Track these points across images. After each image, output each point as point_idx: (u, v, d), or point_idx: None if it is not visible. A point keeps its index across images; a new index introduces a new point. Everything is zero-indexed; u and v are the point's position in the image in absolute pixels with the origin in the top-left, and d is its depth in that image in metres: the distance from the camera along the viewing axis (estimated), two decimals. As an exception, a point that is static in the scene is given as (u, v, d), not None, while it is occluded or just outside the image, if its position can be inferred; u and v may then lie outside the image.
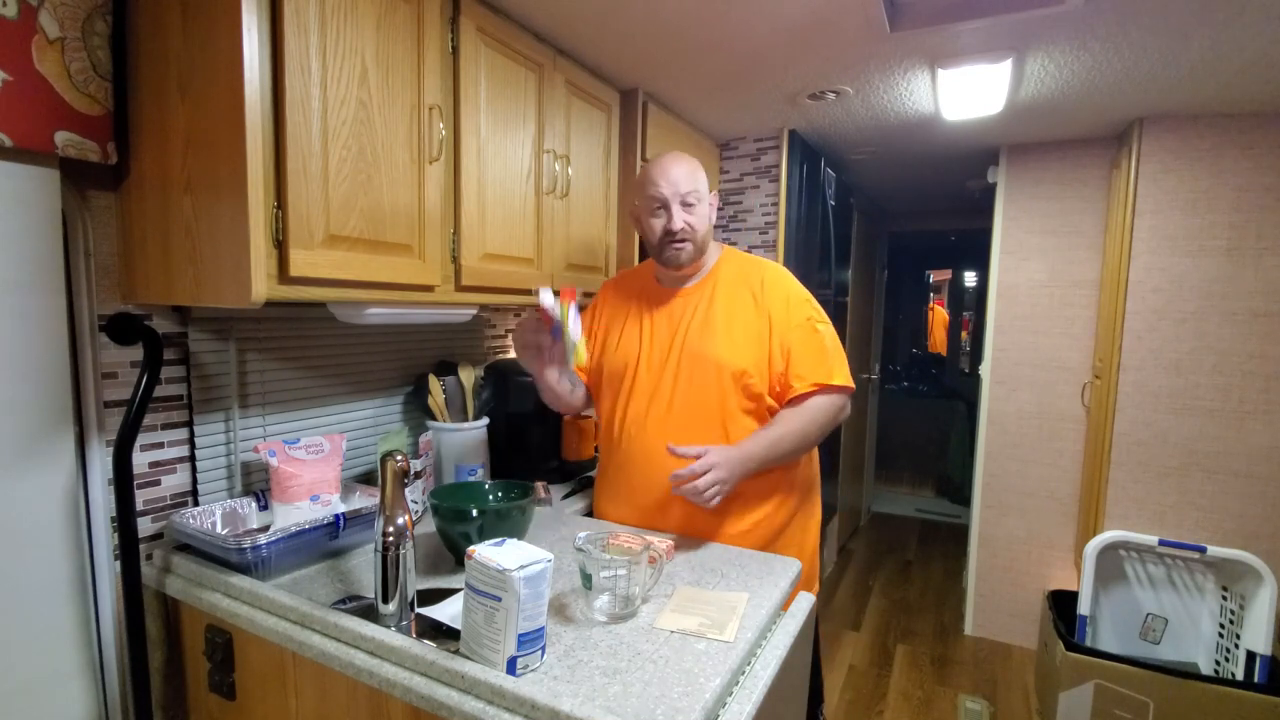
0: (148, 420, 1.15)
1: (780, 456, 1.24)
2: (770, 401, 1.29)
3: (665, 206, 1.28)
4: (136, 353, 1.12)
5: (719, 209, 1.35)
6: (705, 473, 1.12)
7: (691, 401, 1.27)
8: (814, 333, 1.28)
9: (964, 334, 6.30)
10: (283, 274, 0.99)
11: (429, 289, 1.27)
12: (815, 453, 1.42)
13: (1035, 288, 2.66)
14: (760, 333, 1.27)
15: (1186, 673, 1.95)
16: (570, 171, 1.71)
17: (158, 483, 1.18)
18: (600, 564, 0.93)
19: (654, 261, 1.38)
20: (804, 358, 1.26)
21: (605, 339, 1.42)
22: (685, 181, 1.27)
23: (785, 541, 1.32)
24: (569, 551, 1.17)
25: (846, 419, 1.35)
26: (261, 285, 0.94)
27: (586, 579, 0.95)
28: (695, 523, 1.28)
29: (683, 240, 1.28)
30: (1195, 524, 2.26)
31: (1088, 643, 2.18)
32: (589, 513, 1.61)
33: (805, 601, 1.08)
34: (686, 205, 1.27)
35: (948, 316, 6.56)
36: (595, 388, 1.43)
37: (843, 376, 1.28)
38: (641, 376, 1.32)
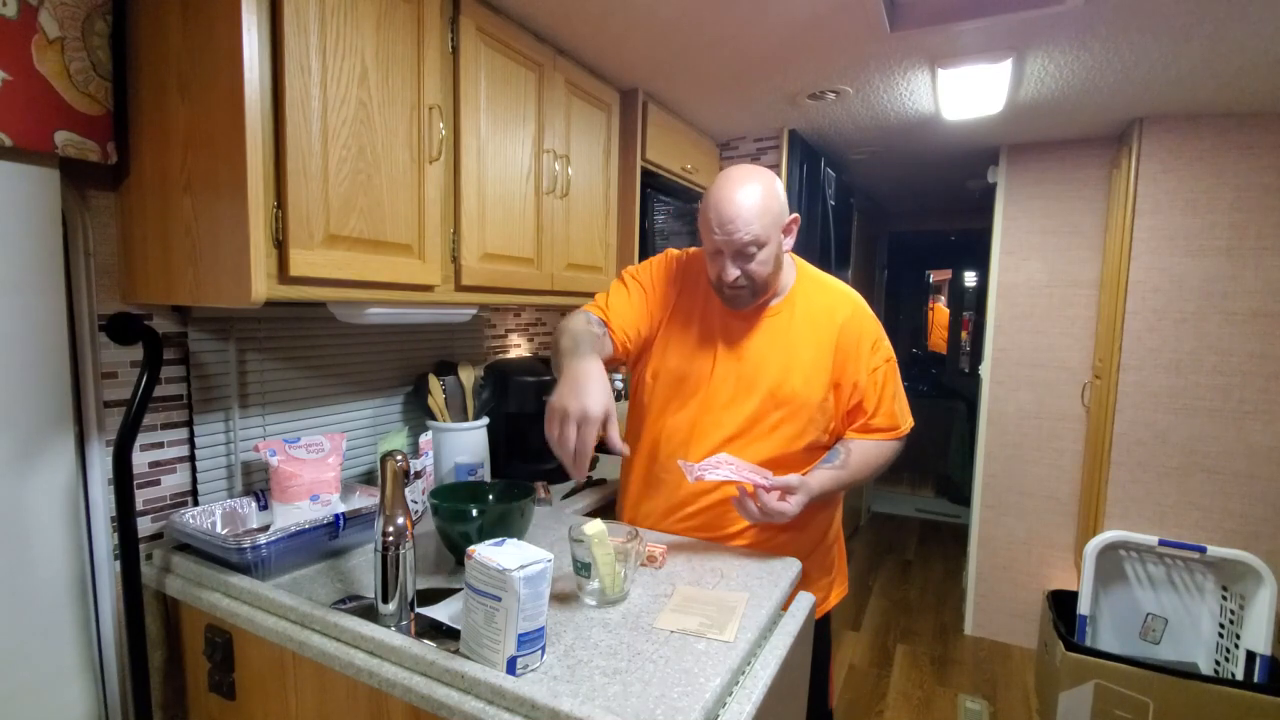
0: (148, 420, 1.15)
1: (845, 489, 1.25)
2: (826, 438, 1.25)
3: (720, 253, 1.15)
4: (136, 353, 1.12)
5: (793, 233, 1.22)
6: (792, 493, 1.11)
7: (768, 437, 1.21)
8: (891, 378, 1.25)
9: (964, 334, 6.30)
10: (283, 274, 0.99)
11: (429, 289, 1.27)
12: None
13: (1035, 288, 2.66)
14: (832, 368, 1.22)
15: (1186, 673, 1.95)
16: (570, 171, 1.71)
17: (158, 482, 1.18)
18: (591, 550, 0.96)
19: None
20: (885, 402, 1.23)
21: (660, 332, 1.30)
22: (746, 229, 1.10)
23: (810, 552, 1.28)
24: (568, 551, 1.17)
25: None
26: (261, 285, 0.94)
27: (581, 567, 0.98)
28: (722, 534, 1.25)
29: (739, 289, 1.17)
30: (1195, 524, 2.26)
31: (1088, 643, 2.18)
32: (590, 513, 1.61)
33: (805, 601, 1.08)
34: (744, 256, 1.13)
35: (948, 316, 6.56)
36: (639, 369, 1.33)
37: (910, 417, 1.28)
38: (704, 401, 1.24)
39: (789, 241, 1.21)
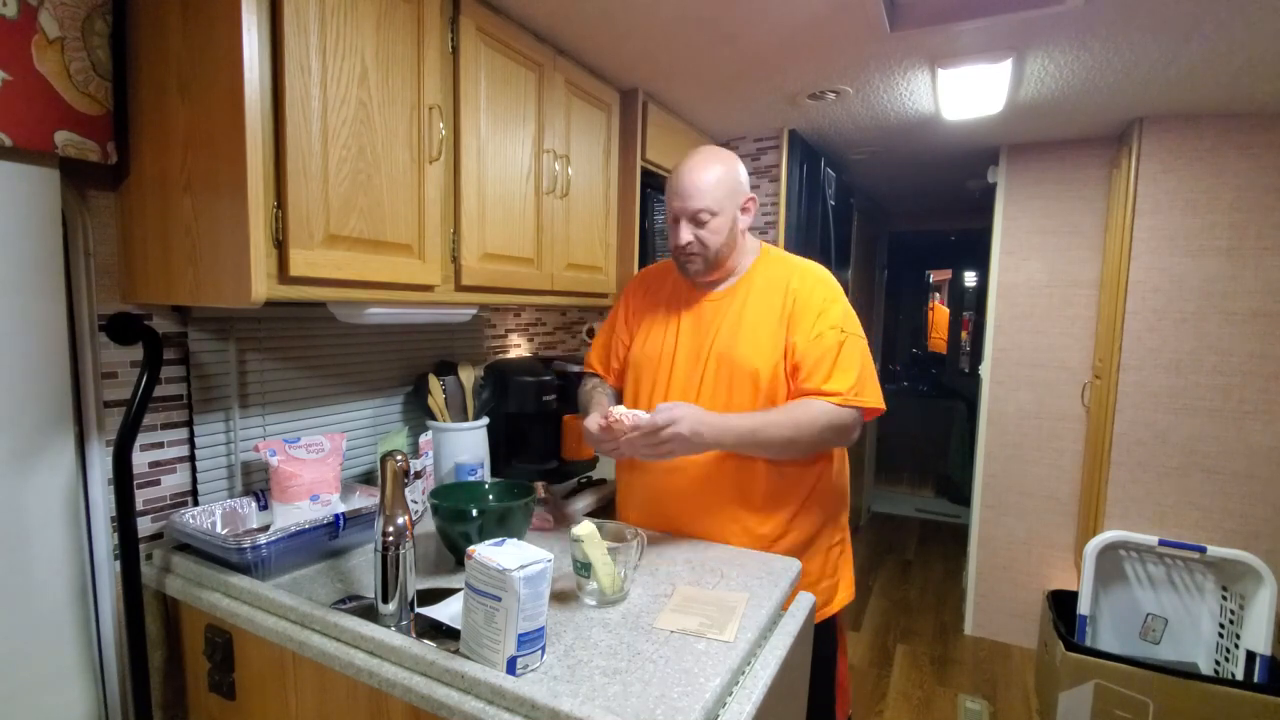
0: (148, 420, 1.15)
1: (761, 445, 1.18)
2: None
3: (677, 220, 1.25)
4: (136, 353, 1.12)
5: (751, 212, 1.29)
6: (665, 428, 1.09)
7: (719, 406, 1.23)
8: (837, 344, 1.20)
9: (964, 334, 6.30)
10: (283, 274, 0.99)
11: (429, 289, 1.27)
12: (845, 463, 1.38)
13: (1035, 288, 2.66)
14: (784, 336, 1.23)
15: (1186, 673, 1.95)
16: (570, 171, 1.71)
17: (158, 482, 1.18)
18: (586, 551, 0.97)
19: None
20: (823, 365, 1.19)
21: (633, 337, 1.40)
22: (698, 197, 1.21)
23: (813, 553, 1.28)
24: (568, 551, 1.17)
25: (854, 439, 1.25)
26: (261, 285, 0.94)
27: (581, 567, 0.98)
28: (716, 530, 1.26)
29: (691, 254, 1.25)
30: (1195, 524, 2.26)
31: (1088, 643, 2.18)
32: (590, 513, 1.61)
33: (805, 601, 1.08)
34: (697, 222, 1.23)
35: (948, 316, 6.56)
36: (624, 388, 1.41)
37: (870, 395, 1.21)
38: (668, 378, 1.30)
39: (746, 220, 1.29)
